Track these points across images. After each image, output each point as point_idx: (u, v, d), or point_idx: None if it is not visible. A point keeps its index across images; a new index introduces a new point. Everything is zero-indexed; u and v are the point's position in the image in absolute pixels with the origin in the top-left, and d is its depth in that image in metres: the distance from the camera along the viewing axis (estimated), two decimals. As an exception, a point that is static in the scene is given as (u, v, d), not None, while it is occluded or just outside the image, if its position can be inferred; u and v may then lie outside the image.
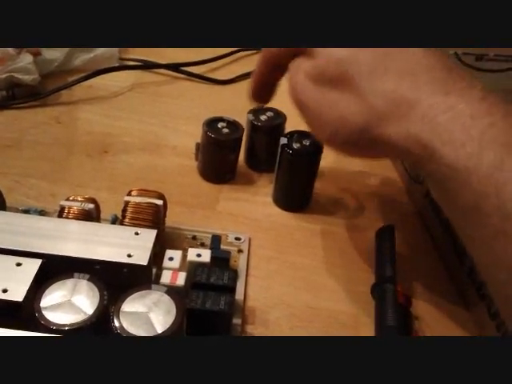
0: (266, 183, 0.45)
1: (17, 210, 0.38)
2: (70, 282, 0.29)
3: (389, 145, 0.29)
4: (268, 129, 0.44)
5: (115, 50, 0.57)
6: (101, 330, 0.28)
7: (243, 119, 0.44)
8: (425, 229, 0.42)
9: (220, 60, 0.61)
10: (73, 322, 0.27)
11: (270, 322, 0.34)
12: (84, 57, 0.56)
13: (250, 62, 0.61)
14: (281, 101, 0.38)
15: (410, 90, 0.28)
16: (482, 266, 0.28)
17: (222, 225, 0.40)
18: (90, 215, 0.35)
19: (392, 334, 0.32)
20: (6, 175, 0.42)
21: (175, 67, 0.58)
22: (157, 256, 0.34)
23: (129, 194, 0.36)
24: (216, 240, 0.38)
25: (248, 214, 0.42)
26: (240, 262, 0.37)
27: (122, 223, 0.35)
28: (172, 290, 0.29)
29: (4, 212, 0.35)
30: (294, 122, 0.38)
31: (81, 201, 0.35)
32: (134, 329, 0.27)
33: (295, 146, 0.40)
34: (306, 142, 0.40)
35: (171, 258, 0.33)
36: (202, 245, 0.38)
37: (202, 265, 0.33)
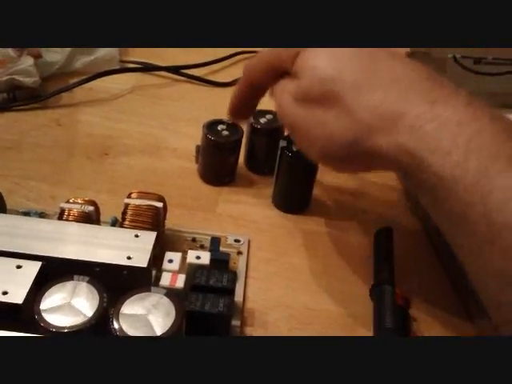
0: (266, 186, 0.45)
1: (17, 213, 0.38)
2: (69, 285, 0.29)
3: (380, 156, 0.29)
4: (268, 131, 0.45)
5: (116, 52, 0.57)
6: (100, 332, 0.28)
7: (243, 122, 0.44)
8: (423, 231, 0.42)
9: (220, 62, 0.61)
10: (72, 324, 0.27)
11: (269, 324, 0.34)
12: (85, 59, 0.56)
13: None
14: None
15: (396, 102, 0.28)
16: (472, 273, 0.28)
17: (221, 227, 0.41)
18: (90, 217, 0.35)
19: (390, 336, 0.32)
20: (7, 177, 0.42)
21: (175, 69, 0.59)
22: (156, 258, 0.34)
23: (129, 197, 0.36)
24: (215, 242, 0.38)
25: (247, 217, 0.42)
26: (239, 264, 0.37)
27: (121, 225, 0.35)
28: (171, 293, 0.29)
29: (4, 214, 0.35)
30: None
31: (81, 203, 0.35)
32: (134, 331, 0.27)
33: (295, 148, 0.40)
34: (306, 145, 0.41)
35: (171, 260, 0.33)
36: (202, 247, 0.38)
37: (201, 267, 0.33)
